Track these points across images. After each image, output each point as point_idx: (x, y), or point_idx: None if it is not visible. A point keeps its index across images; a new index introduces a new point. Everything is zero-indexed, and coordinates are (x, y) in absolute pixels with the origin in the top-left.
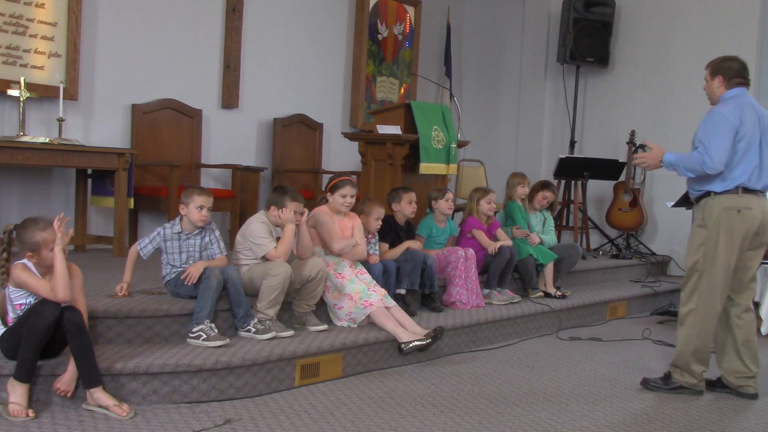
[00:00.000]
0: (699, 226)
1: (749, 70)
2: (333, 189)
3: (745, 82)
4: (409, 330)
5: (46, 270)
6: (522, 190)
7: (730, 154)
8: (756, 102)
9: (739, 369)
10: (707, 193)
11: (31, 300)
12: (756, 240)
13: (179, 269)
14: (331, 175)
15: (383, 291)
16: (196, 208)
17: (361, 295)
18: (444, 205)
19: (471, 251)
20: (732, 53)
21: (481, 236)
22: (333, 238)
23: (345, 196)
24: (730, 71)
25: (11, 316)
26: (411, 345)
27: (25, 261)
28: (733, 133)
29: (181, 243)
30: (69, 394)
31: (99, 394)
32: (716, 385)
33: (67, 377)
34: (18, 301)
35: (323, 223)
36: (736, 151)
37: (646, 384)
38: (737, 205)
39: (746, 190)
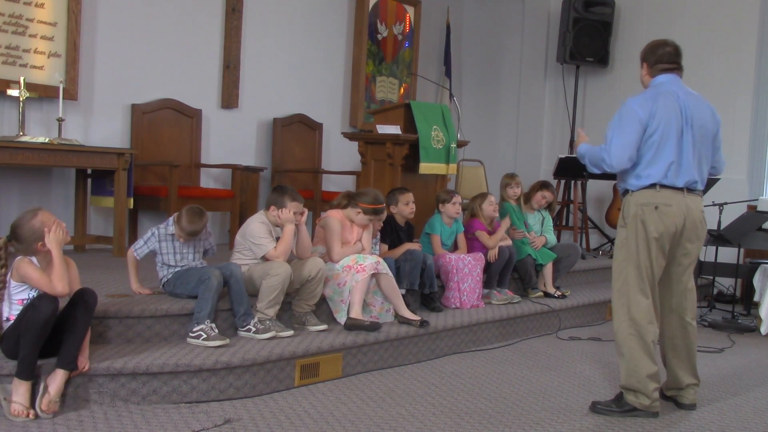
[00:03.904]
0: (619, 227)
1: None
2: (367, 212)
3: (672, 68)
4: (399, 308)
5: (47, 264)
6: (512, 191)
7: (635, 149)
8: (689, 91)
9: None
10: (626, 191)
11: (32, 294)
12: (681, 240)
13: (176, 269)
14: (367, 191)
15: (379, 258)
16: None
17: (357, 260)
18: (451, 208)
19: (464, 256)
20: (731, 53)
21: (484, 237)
22: (335, 248)
23: (372, 221)
24: (653, 57)
25: (12, 314)
26: (354, 322)
27: (28, 257)
28: (641, 127)
29: (174, 244)
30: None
31: (59, 380)
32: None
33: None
34: (19, 296)
35: (332, 231)
36: (649, 147)
37: (595, 408)
38: (653, 201)
39: (664, 186)
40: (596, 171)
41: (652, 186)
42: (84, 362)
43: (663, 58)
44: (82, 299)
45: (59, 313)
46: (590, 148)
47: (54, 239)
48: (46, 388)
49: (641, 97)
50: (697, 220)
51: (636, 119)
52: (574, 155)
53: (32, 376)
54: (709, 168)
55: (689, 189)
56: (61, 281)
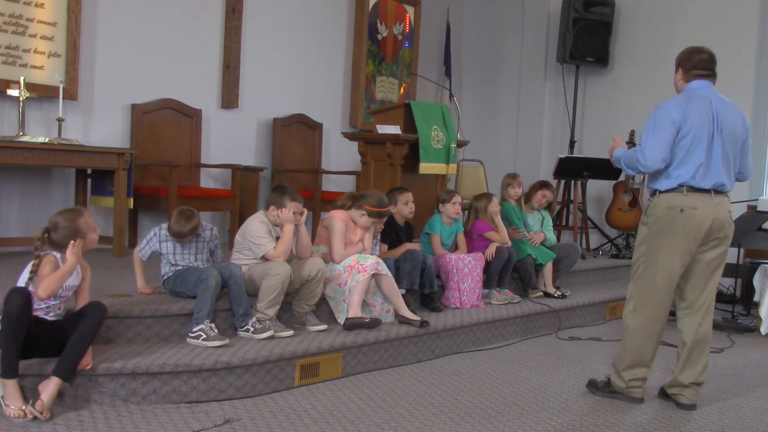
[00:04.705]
0: (641, 224)
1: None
2: (371, 215)
3: (706, 74)
4: (400, 308)
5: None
6: (513, 191)
7: (668, 151)
8: (721, 97)
9: (674, 377)
10: (654, 192)
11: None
12: (709, 240)
13: (177, 267)
14: (372, 194)
15: (379, 259)
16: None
17: (358, 260)
18: (451, 209)
19: (464, 256)
20: (732, 53)
21: (494, 236)
22: (337, 249)
23: (375, 223)
24: (689, 63)
25: (35, 307)
26: (353, 321)
27: (57, 254)
28: (674, 129)
29: (175, 244)
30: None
31: (53, 387)
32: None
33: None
34: None
35: (336, 231)
36: (681, 148)
37: (588, 384)
38: (680, 204)
39: (692, 189)
40: (632, 173)
41: (680, 187)
42: (88, 360)
43: (699, 64)
44: (93, 313)
45: (65, 318)
46: (625, 152)
47: (75, 252)
48: (38, 394)
49: (675, 101)
50: (724, 220)
51: (669, 121)
52: (573, 155)
53: (15, 374)
54: (737, 173)
55: (716, 191)
56: (44, 285)
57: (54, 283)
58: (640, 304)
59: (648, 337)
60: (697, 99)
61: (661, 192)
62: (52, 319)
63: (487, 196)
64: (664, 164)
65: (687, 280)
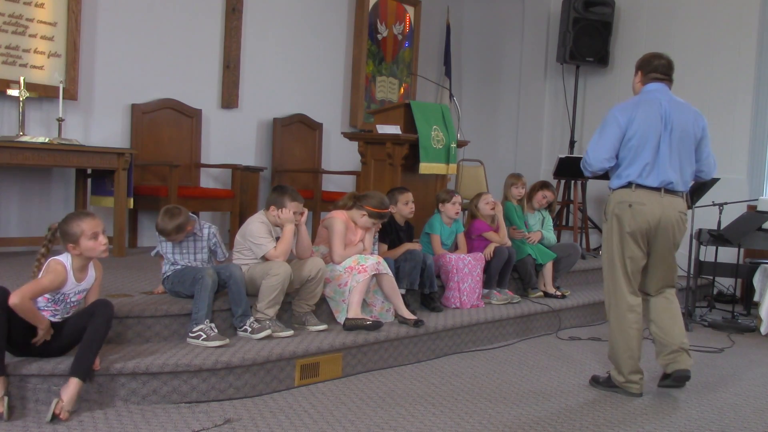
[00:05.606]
0: (603, 222)
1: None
2: (372, 215)
3: (662, 78)
4: (399, 308)
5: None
6: (516, 191)
7: (612, 151)
8: (674, 99)
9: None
10: (610, 190)
11: (59, 295)
12: (657, 236)
13: (176, 266)
14: (374, 194)
15: (379, 258)
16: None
17: (358, 261)
18: (451, 208)
19: (464, 256)
20: (731, 53)
21: (492, 236)
22: (337, 249)
23: (375, 224)
24: (648, 66)
25: (38, 306)
26: (353, 322)
27: (61, 258)
28: (619, 131)
29: (173, 243)
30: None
31: (73, 388)
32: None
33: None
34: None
35: (335, 232)
36: (629, 150)
37: (592, 380)
38: (628, 200)
39: (639, 186)
40: (588, 174)
41: (629, 185)
42: (96, 360)
43: (657, 68)
44: (101, 311)
45: (71, 317)
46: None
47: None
48: (59, 396)
49: (623, 105)
50: (673, 219)
51: (615, 124)
52: (573, 155)
53: (2, 371)
54: (695, 171)
55: (667, 190)
56: (21, 303)
57: (28, 315)
58: (609, 298)
59: (627, 328)
60: (647, 102)
61: (613, 190)
62: (57, 320)
63: (477, 195)
64: (608, 164)
65: (645, 274)
